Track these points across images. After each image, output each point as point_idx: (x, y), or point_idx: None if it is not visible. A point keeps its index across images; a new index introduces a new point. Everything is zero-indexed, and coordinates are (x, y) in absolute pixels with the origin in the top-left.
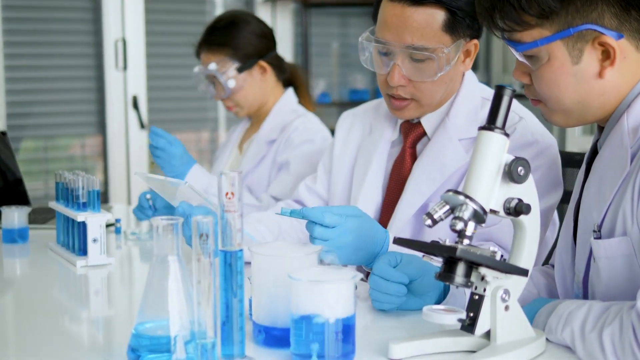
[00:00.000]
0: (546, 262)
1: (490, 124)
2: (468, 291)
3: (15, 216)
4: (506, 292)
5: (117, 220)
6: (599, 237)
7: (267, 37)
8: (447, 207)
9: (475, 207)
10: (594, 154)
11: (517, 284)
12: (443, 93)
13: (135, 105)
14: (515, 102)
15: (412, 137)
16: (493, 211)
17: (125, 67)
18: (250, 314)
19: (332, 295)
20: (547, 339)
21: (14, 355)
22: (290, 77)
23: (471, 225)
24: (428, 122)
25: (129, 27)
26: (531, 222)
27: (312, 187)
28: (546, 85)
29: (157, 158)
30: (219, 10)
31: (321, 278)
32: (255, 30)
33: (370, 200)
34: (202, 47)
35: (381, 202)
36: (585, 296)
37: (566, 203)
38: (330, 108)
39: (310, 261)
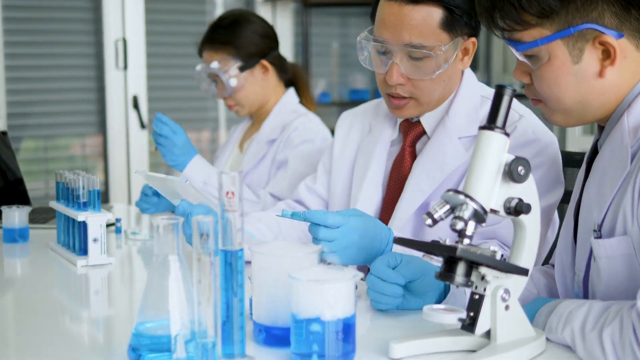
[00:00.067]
0: (546, 261)
1: (490, 123)
2: (468, 291)
3: (16, 216)
4: (506, 291)
5: (118, 220)
6: (599, 237)
7: (269, 36)
8: (448, 206)
9: (476, 206)
10: (594, 154)
11: (517, 284)
12: (442, 91)
13: (136, 105)
14: (515, 100)
15: (411, 135)
16: (493, 211)
17: (125, 67)
18: (251, 314)
19: (333, 294)
20: (547, 339)
21: (14, 355)
22: (292, 77)
23: (471, 224)
24: (427, 121)
25: (129, 27)
26: (531, 222)
27: (312, 187)
28: (546, 85)
29: (159, 146)
30: (219, 10)
31: (321, 278)
32: (258, 29)
33: (370, 199)
34: (205, 45)
35: (381, 201)
36: (585, 296)
37: (566, 203)
38: (330, 108)
39: (311, 261)
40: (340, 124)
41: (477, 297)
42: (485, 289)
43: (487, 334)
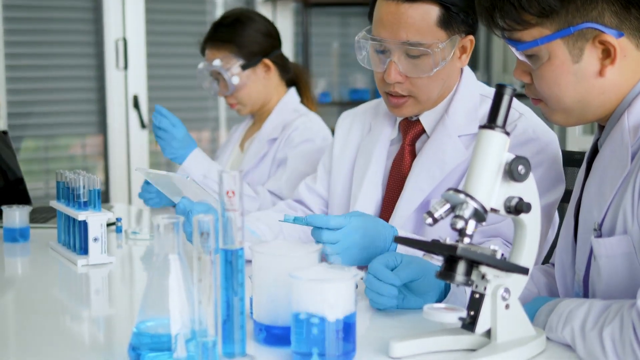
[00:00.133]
0: (546, 260)
1: (490, 122)
2: (468, 290)
3: (17, 215)
4: (507, 290)
5: (118, 220)
6: (600, 236)
7: (272, 35)
8: (448, 205)
9: (476, 205)
10: (595, 153)
11: (517, 283)
12: (440, 89)
13: (136, 104)
14: (515, 99)
15: (411, 134)
16: (494, 210)
17: (125, 67)
18: (251, 313)
19: (333, 294)
20: (547, 338)
21: (14, 355)
22: (294, 77)
23: (472, 223)
24: (427, 120)
25: (129, 27)
26: (531, 221)
27: (312, 186)
28: (547, 84)
29: (158, 138)
30: (219, 10)
31: (322, 277)
32: (261, 28)
33: (370, 198)
34: (207, 43)
35: (381, 200)
36: (585, 295)
37: (566, 202)
38: (330, 108)
39: (311, 260)
40: (340, 124)
41: (477, 296)
42: (485, 288)
43: (488, 333)
